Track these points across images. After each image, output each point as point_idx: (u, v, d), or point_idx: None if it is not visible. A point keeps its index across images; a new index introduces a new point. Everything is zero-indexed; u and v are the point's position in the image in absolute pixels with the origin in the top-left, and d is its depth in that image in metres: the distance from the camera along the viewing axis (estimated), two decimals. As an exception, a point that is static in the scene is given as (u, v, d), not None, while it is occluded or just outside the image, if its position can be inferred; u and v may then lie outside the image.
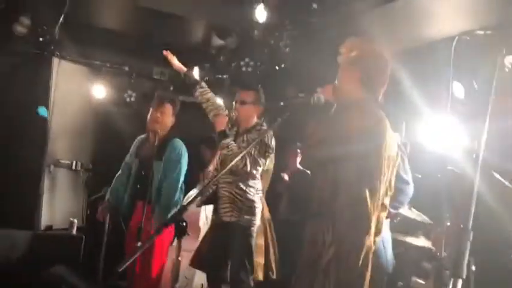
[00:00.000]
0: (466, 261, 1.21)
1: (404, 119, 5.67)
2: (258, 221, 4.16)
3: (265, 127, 4.26)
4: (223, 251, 4.10)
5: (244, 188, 4.11)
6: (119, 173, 4.77)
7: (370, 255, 2.47)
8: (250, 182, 4.14)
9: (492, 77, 1.75)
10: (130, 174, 4.62)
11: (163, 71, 7.02)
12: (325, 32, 5.00)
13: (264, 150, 4.06)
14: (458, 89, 4.71)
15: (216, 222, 4.24)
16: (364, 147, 2.49)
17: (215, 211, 4.27)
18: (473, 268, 1.21)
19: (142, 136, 4.81)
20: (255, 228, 4.16)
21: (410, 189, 3.96)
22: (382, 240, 3.72)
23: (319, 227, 2.54)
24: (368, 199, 2.44)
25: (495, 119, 2.96)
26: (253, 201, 4.12)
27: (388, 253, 3.93)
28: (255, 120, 4.30)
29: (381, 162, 2.52)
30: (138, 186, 4.49)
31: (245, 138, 4.20)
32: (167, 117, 4.61)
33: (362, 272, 2.42)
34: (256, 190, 4.19)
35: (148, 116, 4.62)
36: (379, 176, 2.51)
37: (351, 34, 5.01)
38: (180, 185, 4.51)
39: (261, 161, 4.08)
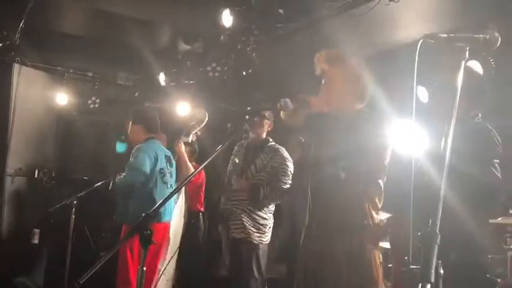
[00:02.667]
0: (434, 265, 1.21)
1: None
2: (268, 238, 4.16)
3: (272, 143, 4.33)
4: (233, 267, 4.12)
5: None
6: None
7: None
8: None
9: (456, 80, 1.77)
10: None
11: (128, 76, 6.93)
12: (292, 37, 5.02)
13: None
14: (422, 93, 4.80)
15: (228, 238, 4.24)
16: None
17: (226, 227, 4.26)
18: (442, 271, 1.21)
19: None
20: (265, 246, 4.14)
21: None
22: None
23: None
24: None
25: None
26: (265, 219, 4.13)
27: None
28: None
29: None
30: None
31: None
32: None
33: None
34: (269, 208, 4.20)
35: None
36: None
37: (317, 40, 5.08)
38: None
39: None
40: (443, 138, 1.67)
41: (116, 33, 5.98)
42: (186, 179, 2.96)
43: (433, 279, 1.21)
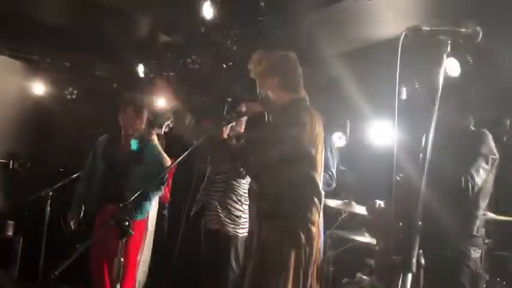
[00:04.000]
0: (415, 255, 1.22)
1: (349, 118, 5.80)
2: (244, 231, 4.14)
3: None
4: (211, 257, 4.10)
5: (234, 197, 4.11)
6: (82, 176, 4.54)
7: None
8: (241, 192, 4.14)
9: (437, 76, 1.78)
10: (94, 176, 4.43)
11: (107, 67, 6.85)
12: (273, 31, 5.01)
13: None
14: (401, 91, 4.84)
15: (204, 229, 4.21)
16: (306, 142, 2.75)
17: (202, 218, 4.23)
18: (423, 262, 1.22)
19: (106, 136, 4.59)
20: (241, 237, 4.13)
21: (333, 182, 4.24)
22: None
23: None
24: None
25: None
26: (240, 210, 4.12)
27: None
28: None
29: (319, 152, 2.81)
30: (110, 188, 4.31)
31: None
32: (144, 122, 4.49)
33: None
34: (245, 200, 4.18)
35: (126, 119, 4.43)
36: (318, 165, 2.81)
37: (297, 34, 5.08)
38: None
39: None
40: (425, 135, 1.69)
41: (94, 23, 5.90)
42: (165, 171, 2.94)
43: (414, 269, 1.22)
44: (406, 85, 4.83)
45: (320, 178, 2.84)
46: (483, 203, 2.92)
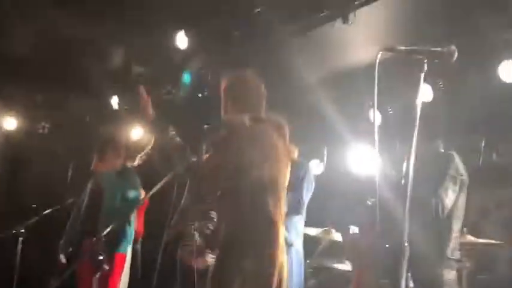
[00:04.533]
0: (404, 278, 1.18)
1: (326, 144, 5.80)
2: None
3: None
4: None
5: (211, 227, 4.02)
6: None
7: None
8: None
9: (415, 98, 1.78)
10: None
11: (79, 100, 6.75)
12: (248, 60, 5.02)
13: None
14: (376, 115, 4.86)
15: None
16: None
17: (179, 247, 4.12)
18: (412, 285, 1.18)
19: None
20: None
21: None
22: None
23: None
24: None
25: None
26: None
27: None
28: None
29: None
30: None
31: None
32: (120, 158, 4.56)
33: None
34: None
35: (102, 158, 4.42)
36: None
37: (272, 62, 5.10)
38: None
39: None
40: (406, 159, 1.68)
41: (65, 55, 5.84)
42: (138, 203, 2.87)
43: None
44: (380, 110, 4.87)
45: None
46: (456, 225, 2.93)
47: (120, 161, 4.46)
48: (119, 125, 6.26)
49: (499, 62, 4.17)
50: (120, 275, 4.29)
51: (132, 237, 4.45)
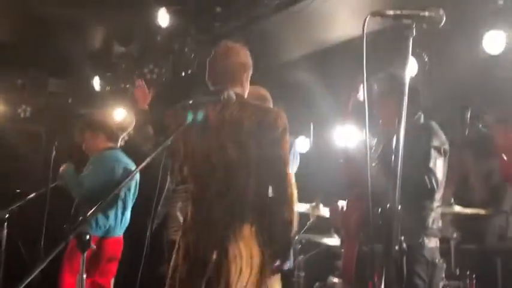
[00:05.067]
0: (397, 242, 1.16)
1: (312, 121, 5.77)
2: None
3: None
4: None
5: None
6: None
7: None
8: None
9: (402, 70, 1.75)
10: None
11: (60, 82, 6.64)
12: (231, 37, 4.94)
13: None
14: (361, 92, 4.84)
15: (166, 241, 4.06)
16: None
17: (165, 230, 4.09)
18: (405, 246, 1.17)
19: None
20: None
21: None
22: None
23: None
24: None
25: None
26: None
27: None
28: None
29: None
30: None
31: None
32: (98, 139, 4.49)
33: None
34: None
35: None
36: None
37: (256, 38, 5.04)
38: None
39: None
40: (396, 131, 1.67)
41: (45, 36, 5.71)
42: (122, 184, 2.82)
43: (396, 256, 1.16)
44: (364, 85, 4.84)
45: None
46: (438, 195, 2.95)
47: (101, 142, 4.39)
48: (101, 106, 6.17)
49: (483, 34, 4.15)
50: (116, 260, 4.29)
51: (125, 222, 4.41)
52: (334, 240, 4.39)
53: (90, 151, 4.41)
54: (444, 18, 1.71)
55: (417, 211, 2.85)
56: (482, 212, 3.80)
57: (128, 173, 4.34)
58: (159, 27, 4.96)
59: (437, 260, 2.91)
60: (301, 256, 4.52)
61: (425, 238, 2.86)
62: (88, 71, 6.18)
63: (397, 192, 1.28)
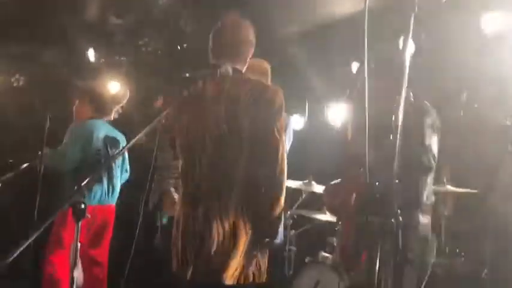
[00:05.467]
0: (396, 214, 1.17)
1: (307, 99, 5.78)
2: None
3: None
4: None
5: None
6: None
7: None
8: None
9: (402, 48, 1.76)
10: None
11: (55, 53, 6.56)
12: (228, 10, 4.89)
13: None
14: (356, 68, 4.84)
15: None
16: None
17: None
18: (401, 219, 1.18)
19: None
20: None
21: None
22: None
23: None
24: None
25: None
26: None
27: None
28: None
29: None
30: None
31: None
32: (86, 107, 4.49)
33: None
34: None
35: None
36: None
37: (252, 14, 4.99)
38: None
39: None
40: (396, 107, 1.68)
41: (39, 6, 5.63)
42: (113, 157, 2.81)
43: (395, 229, 1.17)
44: (362, 63, 4.83)
45: None
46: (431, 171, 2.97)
47: (87, 112, 4.39)
48: (95, 77, 6.13)
49: (481, 15, 4.15)
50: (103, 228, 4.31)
51: (114, 192, 4.41)
52: (326, 216, 4.43)
53: (77, 121, 4.39)
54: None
55: (414, 187, 2.87)
56: (473, 191, 3.84)
57: (111, 140, 4.35)
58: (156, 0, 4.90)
59: (429, 237, 2.93)
60: (293, 231, 4.57)
61: (420, 214, 2.87)
62: (83, 43, 6.11)
63: (394, 166, 1.29)
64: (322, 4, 4.84)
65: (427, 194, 2.95)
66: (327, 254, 4.18)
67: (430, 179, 2.97)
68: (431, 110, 2.99)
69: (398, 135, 1.63)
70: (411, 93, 3.09)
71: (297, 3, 4.89)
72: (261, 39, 5.05)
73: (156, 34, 5.47)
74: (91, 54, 6.23)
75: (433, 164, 2.84)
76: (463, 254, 3.83)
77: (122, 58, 6.16)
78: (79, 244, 2.35)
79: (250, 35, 2.80)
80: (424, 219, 2.91)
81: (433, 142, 2.87)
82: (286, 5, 4.91)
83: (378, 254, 1.28)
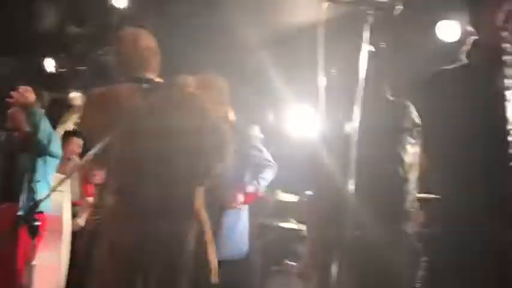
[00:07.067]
0: (349, 228, 1.17)
1: (272, 107, 5.79)
2: None
3: None
4: None
5: None
6: None
7: None
8: None
9: (357, 56, 1.76)
10: None
11: (9, 62, 6.38)
12: (188, 20, 4.88)
13: None
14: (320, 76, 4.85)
15: None
16: None
17: None
18: (358, 233, 1.17)
19: None
20: None
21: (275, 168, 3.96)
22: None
23: None
24: None
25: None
26: None
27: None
28: None
29: None
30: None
31: None
32: None
33: None
34: None
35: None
36: None
37: (214, 22, 4.98)
38: None
39: None
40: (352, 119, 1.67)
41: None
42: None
43: (348, 242, 1.17)
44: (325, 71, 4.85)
45: None
46: (413, 176, 2.80)
47: None
48: (53, 87, 6.00)
49: (437, 22, 4.24)
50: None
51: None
52: (291, 224, 4.44)
53: None
54: (401, 6, 1.72)
55: (393, 196, 2.75)
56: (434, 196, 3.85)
57: None
58: (115, 7, 4.82)
59: (418, 246, 2.67)
60: (259, 240, 4.55)
61: (404, 224, 2.70)
62: (39, 52, 5.97)
63: (351, 177, 1.29)
64: (284, 13, 4.87)
65: (410, 200, 2.72)
66: (292, 263, 4.17)
67: (410, 184, 2.80)
68: (412, 112, 2.71)
69: (352, 144, 1.61)
70: (388, 90, 2.86)
71: (261, 12, 4.91)
72: (220, 48, 5.05)
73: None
74: (48, 63, 6.09)
75: (402, 176, 2.72)
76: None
77: (82, 68, 6.04)
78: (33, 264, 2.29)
79: (154, 42, 2.77)
80: (409, 228, 2.70)
81: (407, 150, 2.66)
82: (250, 12, 4.92)
83: (338, 264, 1.27)
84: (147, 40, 2.66)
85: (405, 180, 2.77)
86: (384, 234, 2.54)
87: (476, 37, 2.15)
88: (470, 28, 2.21)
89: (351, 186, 1.50)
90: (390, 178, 2.70)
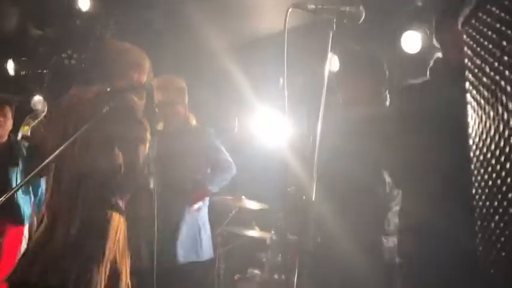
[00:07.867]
0: (311, 234, 1.16)
1: (237, 112, 5.77)
2: None
3: None
4: None
5: None
6: None
7: None
8: None
9: (324, 65, 1.77)
10: None
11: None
12: (155, 24, 4.83)
13: None
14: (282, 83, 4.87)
15: None
16: None
17: None
18: (319, 240, 1.17)
19: None
20: None
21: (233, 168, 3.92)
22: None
23: None
24: None
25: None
26: None
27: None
28: None
29: None
30: None
31: None
32: (9, 120, 4.26)
33: None
34: None
35: None
36: None
37: (179, 26, 4.94)
38: None
39: None
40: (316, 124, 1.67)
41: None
42: (29, 176, 2.60)
43: (311, 248, 1.16)
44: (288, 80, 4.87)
45: None
46: (395, 192, 2.77)
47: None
48: (15, 91, 5.83)
49: (401, 33, 4.30)
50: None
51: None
52: (255, 232, 4.41)
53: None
54: (364, 15, 1.74)
55: (374, 212, 2.69)
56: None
57: None
58: (79, 10, 4.74)
59: (396, 260, 2.55)
60: (222, 248, 4.51)
61: (383, 238, 2.69)
62: (2, 55, 5.81)
63: (313, 183, 1.28)
64: (250, 20, 4.88)
65: (390, 216, 2.72)
66: (256, 271, 4.15)
67: (393, 201, 2.73)
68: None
69: (316, 148, 1.60)
70: (387, 95, 2.87)
71: (227, 18, 4.90)
72: (187, 52, 5.01)
73: (80, 46, 5.28)
74: (10, 66, 5.93)
75: (390, 192, 2.69)
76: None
77: (44, 71, 5.90)
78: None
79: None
80: (389, 243, 2.69)
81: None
82: (216, 18, 4.91)
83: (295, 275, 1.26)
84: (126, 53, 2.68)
85: (389, 193, 2.72)
86: (358, 245, 2.53)
87: (439, 53, 2.21)
88: (435, 43, 2.26)
89: (315, 192, 1.50)
90: (371, 196, 2.65)
